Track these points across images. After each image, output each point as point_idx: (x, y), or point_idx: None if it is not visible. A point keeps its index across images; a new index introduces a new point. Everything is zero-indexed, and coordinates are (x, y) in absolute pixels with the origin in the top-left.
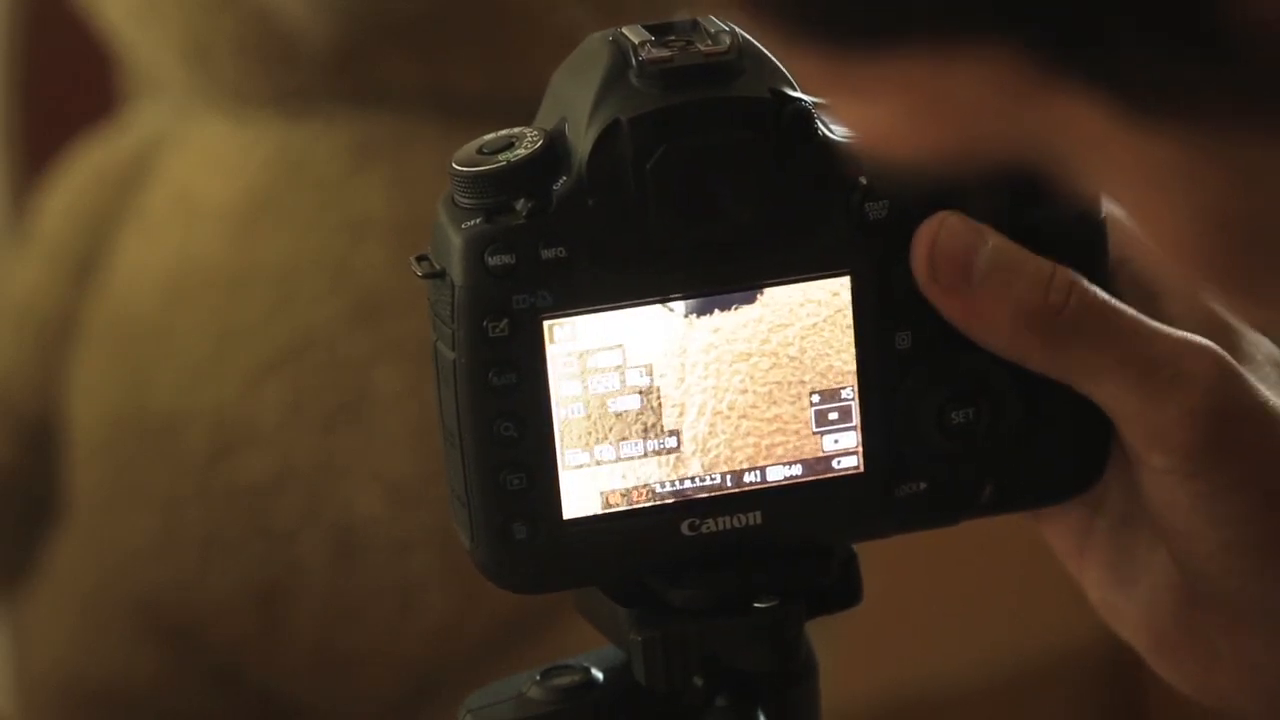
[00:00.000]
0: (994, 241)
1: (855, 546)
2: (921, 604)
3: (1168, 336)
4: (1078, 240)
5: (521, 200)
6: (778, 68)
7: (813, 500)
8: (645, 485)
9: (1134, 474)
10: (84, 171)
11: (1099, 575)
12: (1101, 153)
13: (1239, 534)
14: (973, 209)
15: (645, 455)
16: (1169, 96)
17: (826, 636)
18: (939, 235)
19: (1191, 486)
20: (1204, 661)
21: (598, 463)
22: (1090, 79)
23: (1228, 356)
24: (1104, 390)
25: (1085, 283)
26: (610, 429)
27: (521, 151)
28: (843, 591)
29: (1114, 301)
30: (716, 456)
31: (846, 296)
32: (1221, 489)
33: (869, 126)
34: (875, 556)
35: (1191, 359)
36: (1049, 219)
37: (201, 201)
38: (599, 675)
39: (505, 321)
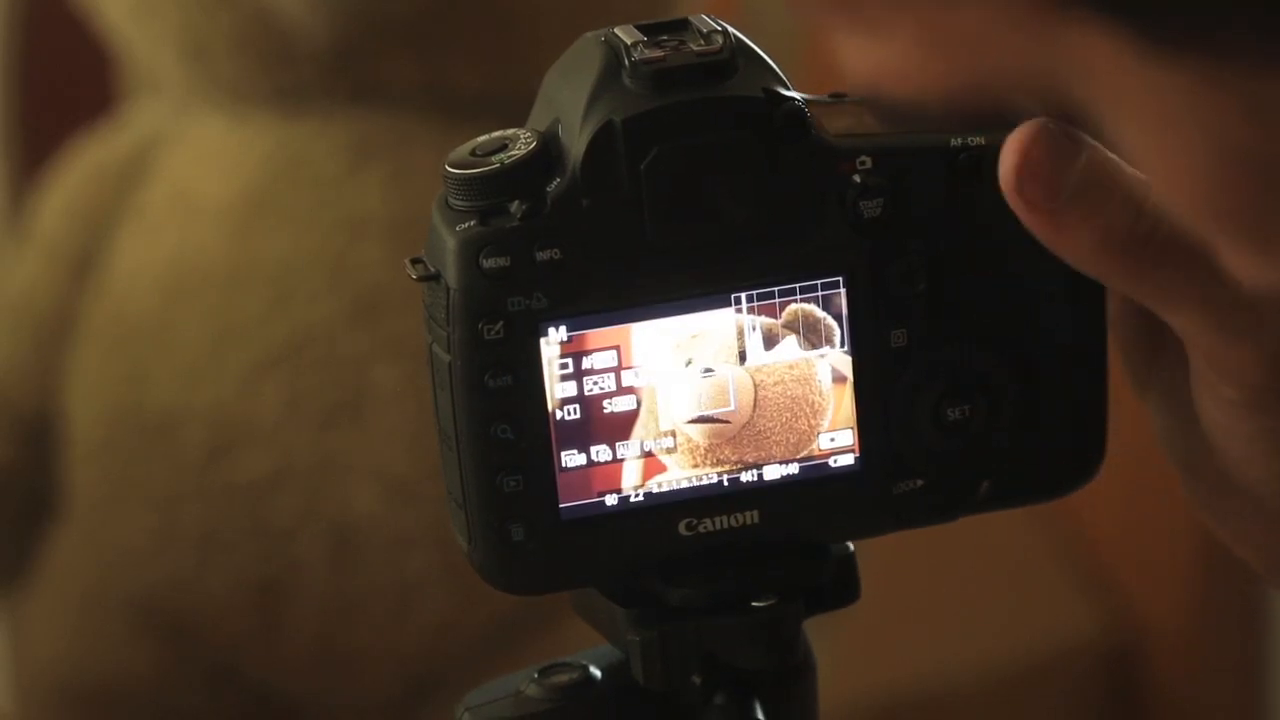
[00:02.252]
0: (1088, 156)
1: (852, 544)
2: (920, 602)
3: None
4: None
5: (516, 202)
6: (771, 67)
7: (810, 498)
8: (642, 486)
9: (1195, 389)
10: (82, 169)
11: (1158, 404)
12: (1115, 86)
13: None
14: (969, 206)
15: (641, 456)
16: (1185, 24)
17: (824, 634)
18: (1030, 146)
19: (1257, 420)
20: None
21: (594, 464)
22: (1105, 7)
23: None
24: (1182, 320)
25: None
26: (606, 430)
27: (515, 153)
28: (840, 589)
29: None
30: (714, 456)
31: (842, 295)
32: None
33: (880, 64)
34: (873, 554)
35: (1271, 304)
36: None
37: (199, 200)
38: (597, 673)
39: (500, 324)
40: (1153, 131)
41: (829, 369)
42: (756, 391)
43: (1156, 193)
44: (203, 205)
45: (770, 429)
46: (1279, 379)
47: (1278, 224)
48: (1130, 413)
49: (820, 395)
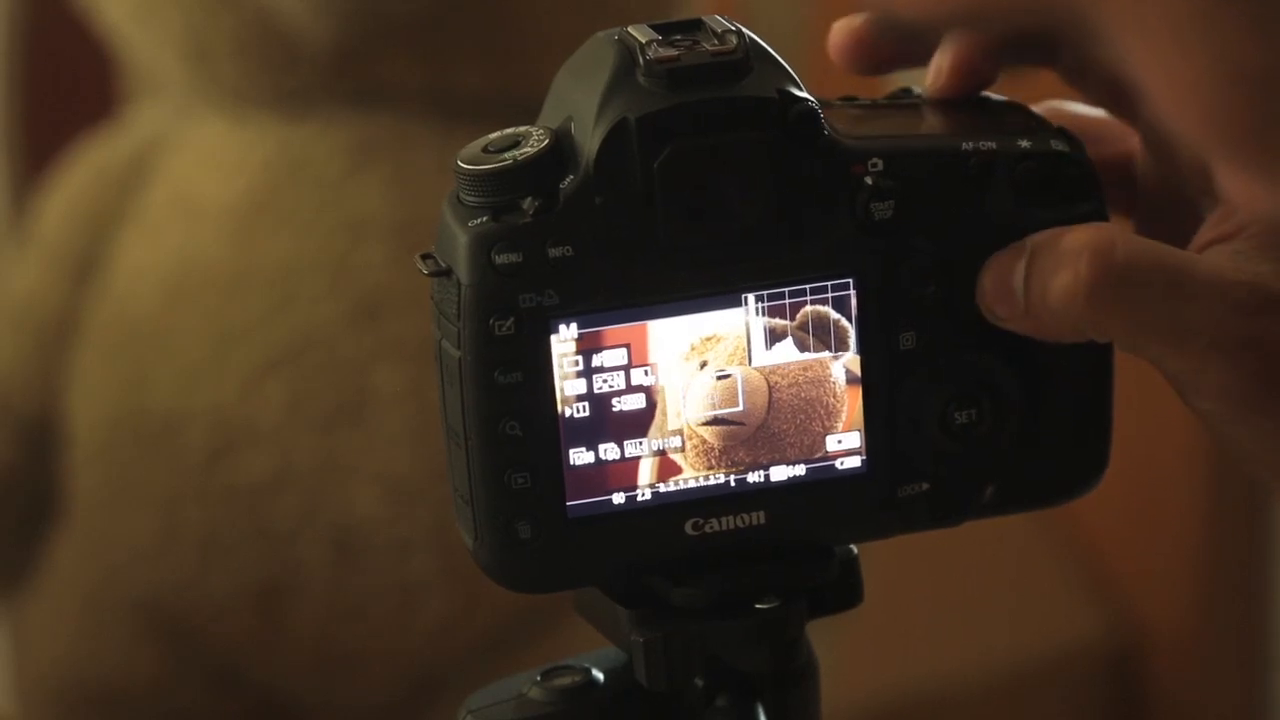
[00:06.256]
0: (1025, 255)
1: (856, 546)
2: (921, 604)
3: (1199, 295)
4: None
5: (528, 199)
6: (784, 67)
7: (816, 500)
8: (649, 485)
9: (1188, 404)
10: (84, 172)
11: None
12: (1125, 3)
13: None
14: (979, 210)
15: (649, 455)
16: None
17: (826, 636)
18: (985, 282)
19: (1237, 427)
20: None
21: (603, 462)
22: None
23: (1265, 297)
24: (1147, 353)
25: (1104, 240)
26: (616, 428)
27: (528, 150)
28: (843, 592)
29: (1137, 250)
30: (728, 458)
31: (852, 296)
32: (1268, 430)
33: None
34: (876, 556)
35: (1223, 323)
36: (1055, 219)
37: (201, 202)
38: (599, 675)
39: (511, 320)
40: (1158, 46)
41: (843, 370)
42: (771, 393)
43: (1160, 112)
44: (204, 207)
45: (785, 430)
46: (1243, 394)
47: (1278, 139)
48: (1133, 417)
49: (835, 396)
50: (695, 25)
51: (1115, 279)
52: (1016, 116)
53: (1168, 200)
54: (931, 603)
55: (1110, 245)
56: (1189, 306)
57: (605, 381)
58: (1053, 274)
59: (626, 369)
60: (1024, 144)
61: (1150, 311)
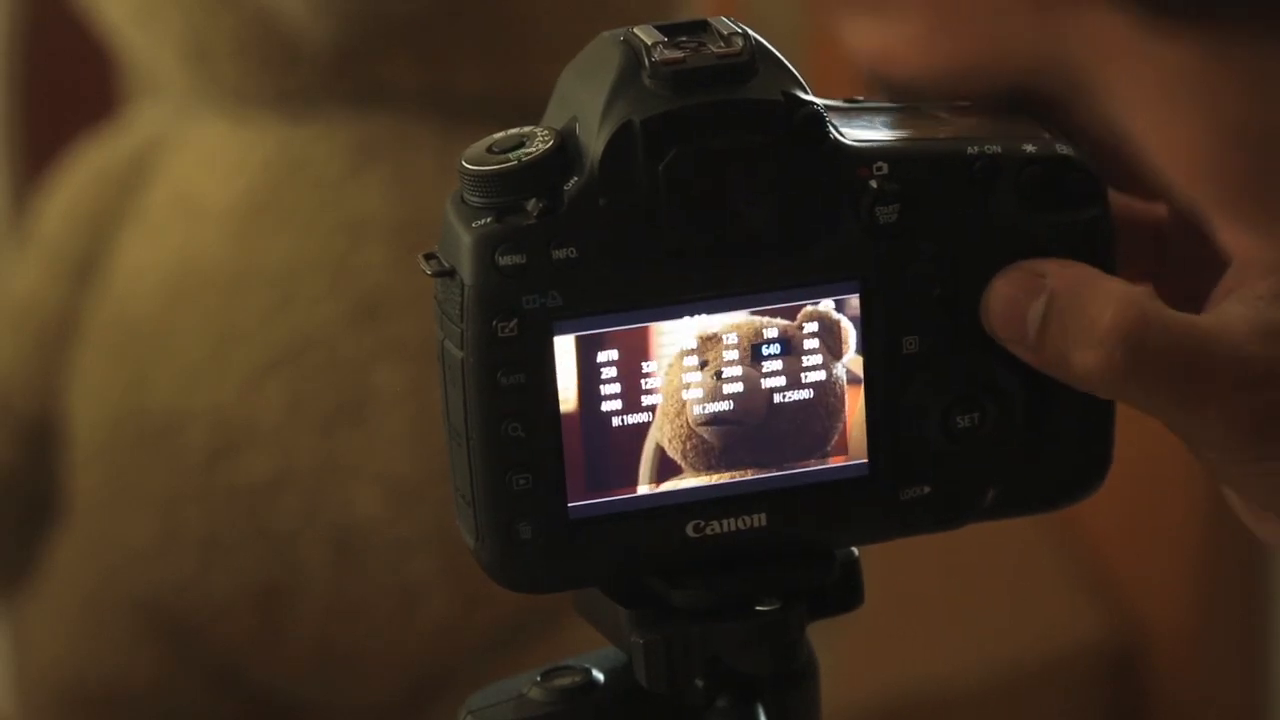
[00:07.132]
0: (1044, 295)
1: (857, 548)
2: (921, 605)
3: (1215, 372)
4: (1088, 244)
5: (532, 200)
6: (790, 70)
7: (817, 503)
8: (650, 486)
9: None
10: (84, 172)
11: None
12: (1119, 63)
13: None
14: (984, 214)
15: (655, 457)
16: None
17: (827, 637)
18: (992, 302)
19: (1242, 469)
20: None
21: (605, 464)
22: None
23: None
24: (1155, 416)
25: (1136, 322)
26: (618, 430)
27: (533, 151)
28: (844, 594)
29: (1165, 332)
30: (728, 458)
31: (856, 299)
32: (1269, 472)
33: (887, 43)
34: (876, 558)
35: (1236, 394)
36: (1059, 224)
37: (201, 202)
38: (600, 676)
39: (515, 321)
40: (1155, 107)
41: (844, 372)
42: (771, 394)
43: (1157, 171)
44: (205, 208)
45: (785, 431)
46: (1252, 444)
47: (1275, 196)
48: (1134, 418)
49: (835, 398)
50: (701, 27)
51: (1142, 362)
52: (1021, 120)
53: (1193, 248)
54: (931, 603)
55: (1144, 331)
56: (1205, 382)
57: (607, 383)
58: (1080, 347)
59: (630, 371)
60: (1029, 148)
61: (1167, 386)
